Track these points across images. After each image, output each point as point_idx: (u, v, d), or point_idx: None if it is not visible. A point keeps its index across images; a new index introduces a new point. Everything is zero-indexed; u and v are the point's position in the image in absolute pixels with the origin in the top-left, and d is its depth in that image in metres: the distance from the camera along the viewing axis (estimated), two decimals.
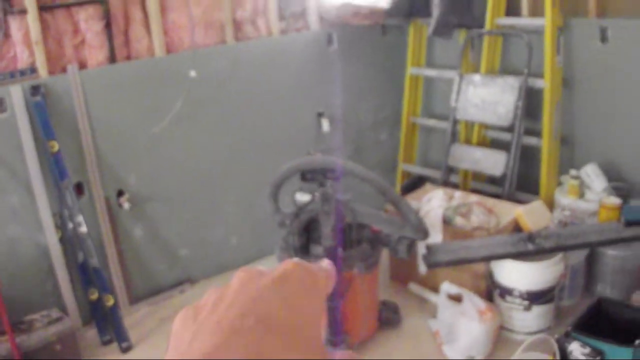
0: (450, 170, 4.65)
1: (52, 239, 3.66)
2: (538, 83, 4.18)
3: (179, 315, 0.48)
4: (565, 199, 3.96)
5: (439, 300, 3.46)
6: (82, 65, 3.72)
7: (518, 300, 3.40)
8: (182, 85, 3.97)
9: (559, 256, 3.41)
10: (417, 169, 5.06)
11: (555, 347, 2.97)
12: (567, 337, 2.96)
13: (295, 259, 0.50)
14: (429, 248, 3.42)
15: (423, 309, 3.76)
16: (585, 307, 3.17)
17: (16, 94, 3.49)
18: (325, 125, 4.58)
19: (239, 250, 4.42)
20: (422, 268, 3.69)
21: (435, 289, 3.69)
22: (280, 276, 0.47)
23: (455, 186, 4.49)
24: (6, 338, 3.38)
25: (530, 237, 3.40)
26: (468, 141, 4.64)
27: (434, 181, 4.60)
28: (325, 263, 0.53)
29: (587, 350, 2.87)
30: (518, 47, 4.36)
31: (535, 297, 3.37)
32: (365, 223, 3.28)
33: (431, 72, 4.90)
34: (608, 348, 2.86)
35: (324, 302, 0.50)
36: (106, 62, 3.79)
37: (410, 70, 4.93)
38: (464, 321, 3.28)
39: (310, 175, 3.38)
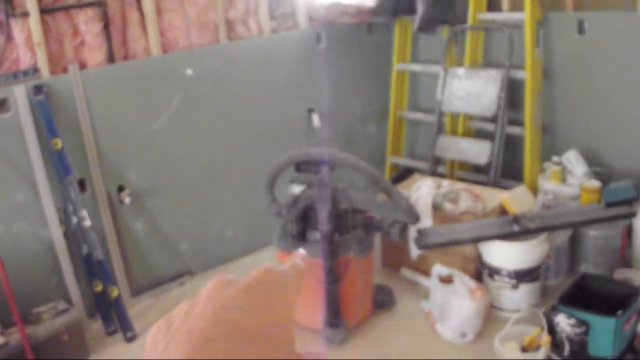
0: (437, 160, 4.82)
1: (56, 233, 3.77)
2: (519, 74, 4.36)
3: (152, 328, 0.49)
4: (548, 184, 4.14)
5: (431, 281, 3.60)
6: (82, 66, 3.84)
7: (506, 279, 3.56)
8: (179, 83, 4.11)
9: (543, 236, 3.57)
10: (405, 161, 5.23)
11: (543, 319, 3.14)
12: (554, 310, 3.13)
13: (266, 265, 0.51)
14: (420, 232, 3.59)
15: (415, 292, 3.91)
16: (571, 282, 3.34)
17: (19, 93, 3.60)
18: (316, 120, 4.73)
19: (236, 243, 4.56)
20: (414, 253, 3.85)
21: (426, 274, 3.84)
22: (250, 283, 0.48)
23: (442, 176, 4.65)
24: (16, 329, 3.49)
25: (516, 219, 3.58)
26: (454, 132, 4.81)
27: (421, 172, 4.76)
28: (298, 256, 0.56)
29: (573, 321, 3.03)
30: (499, 40, 4.53)
31: (522, 276, 3.53)
32: (360, 208, 3.43)
33: (416, 67, 5.07)
34: (592, 319, 3.02)
35: (294, 302, 0.51)
36: (105, 62, 3.92)
37: (397, 66, 5.10)
38: (455, 300, 3.43)
39: (304, 166, 3.53)
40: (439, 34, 4.79)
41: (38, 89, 3.64)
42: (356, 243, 3.45)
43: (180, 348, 0.44)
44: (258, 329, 0.45)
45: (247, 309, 0.46)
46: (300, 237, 3.47)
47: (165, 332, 0.47)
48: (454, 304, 3.44)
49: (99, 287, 3.87)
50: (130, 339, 3.80)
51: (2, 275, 3.48)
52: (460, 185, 4.13)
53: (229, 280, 0.50)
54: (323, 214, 3.30)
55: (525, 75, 4.31)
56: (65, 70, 3.78)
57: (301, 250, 0.57)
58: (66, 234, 3.82)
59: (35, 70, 3.70)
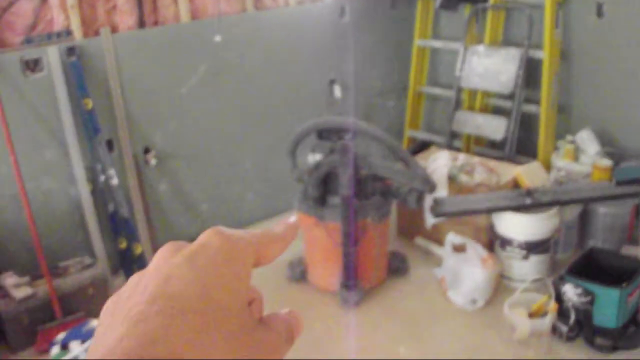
0: (454, 135, 4.93)
1: (84, 191, 3.90)
2: (538, 54, 4.45)
3: (105, 305, 0.45)
4: (561, 161, 4.25)
5: (445, 249, 3.74)
6: (114, 29, 3.95)
7: (517, 250, 3.68)
8: (206, 50, 4.24)
9: (554, 210, 3.68)
10: (422, 135, 5.34)
11: (551, 288, 3.27)
12: (562, 279, 3.25)
13: (216, 228, 0.47)
14: (436, 201, 3.71)
15: (429, 260, 4.04)
16: (580, 255, 3.47)
17: (53, 54, 3.71)
18: (337, 91, 4.85)
19: (255, 206, 4.70)
20: (429, 222, 3.97)
21: (440, 243, 3.96)
22: (196, 249, 0.45)
23: (458, 150, 4.76)
24: (44, 281, 3.64)
25: (529, 193, 3.70)
26: (471, 108, 4.92)
27: (438, 145, 4.87)
28: (285, 222, 0.52)
29: (579, 290, 3.16)
30: (520, 20, 4.62)
31: (532, 247, 3.65)
32: (380, 175, 3.55)
33: (437, 44, 5.17)
34: (598, 289, 3.14)
35: (248, 265, 0.46)
36: (136, 27, 4.03)
37: (418, 41, 5.20)
38: (467, 268, 3.56)
39: (326, 134, 3.66)
40: (461, 12, 4.89)
41: (71, 51, 3.75)
42: (374, 209, 3.58)
43: (117, 330, 0.40)
44: (200, 301, 0.41)
45: (188, 278, 0.42)
46: (321, 201, 3.60)
47: (112, 310, 0.43)
48: (465, 272, 3.57)
49: (123, 244, 4.01)
50: None
51: (32, 229, 3.62)
52: (476, 159, 4.24)
53: (177, 246, 0.46)
54: (344, 179, 3.43)
55: (543, 55, 4.40)
56: (97, 33, 3.89)
57: (293, 217, 0.53)
58: (93, 192, 3.94)
59: (69, 32, 3.82)
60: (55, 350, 3.25)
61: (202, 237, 0.46)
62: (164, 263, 0.44)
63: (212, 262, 0.44)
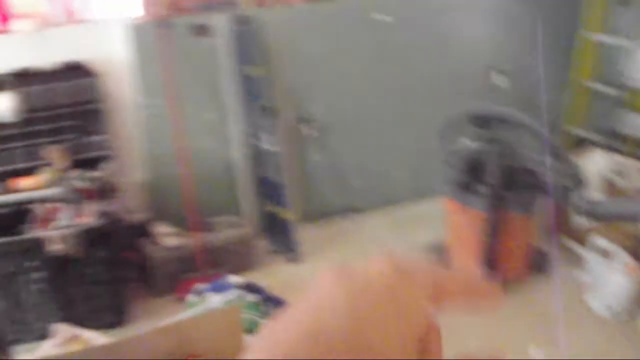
0: (615, 136, 4.73)
1: (239, 154, 4.08)
2: None
3: (264, 326, 0.40)
4: None
5: (589, 252, 3.63)
6: (283, 1, 4.08)
7: None
8: (371, 27, 4.29)
9: None
10: (582, 132, 5.15)
11: None
12: None
13: (392, 258, 0.41)
14: (587, 201, 3.60)
15: (572, 261, 3.91)
16: None
17: (221, 22, 3.91)
18: (496, 79, 4.76)
19: (405, 186, 4.71)
20: (577, 221, 3.86)
21: (585, 244, 3.84)
22: (363, 283, 0.40)
23: (618, 152, 4.57)
24: (193, 234, 3.86)
25: None
26: (638, 109, 4.70)
27: (598, 145, 4.70)
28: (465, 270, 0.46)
29: None
30: None
31: None
32: (529, 168, 3.49)
33: (607, 39, 4.95)
34: None
35: (422, 308, 0.40)
36: (303, 0, 4.14)
37: (585, 33, 4.99)
38: (610, 273, 3.44)
39: (480, 121, 3.62)
40: (637, 7, 4.67)
41: (238, 19, 3.92)
42: (520, 201, 3.53)
43: (259, 354, 0.37)
44: (352, 340, 0.37)
45: (345, 315, 0.38)
46: (467, 188, 3.58)
47: (265, 332, 0.39)
48: (608, 277, 3.45)
49: (270, 208, 4.14)
50: (290, 260, 4.05)
51: (188, 185, 3.83)
52: (635, 163, 4.07)
53: (343, 274, 0.41)
54: (492, 168, 3.40)
55: None
56: (264, 3, 4.03)
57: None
58: (248, 156, 4.11)
59: (236, 2, 3.97)
60: (192, 297, 3.43)
61: (373, 268, 0.41)
62: (324, 293, 0.40)
63: (378, 300, 0.39)
